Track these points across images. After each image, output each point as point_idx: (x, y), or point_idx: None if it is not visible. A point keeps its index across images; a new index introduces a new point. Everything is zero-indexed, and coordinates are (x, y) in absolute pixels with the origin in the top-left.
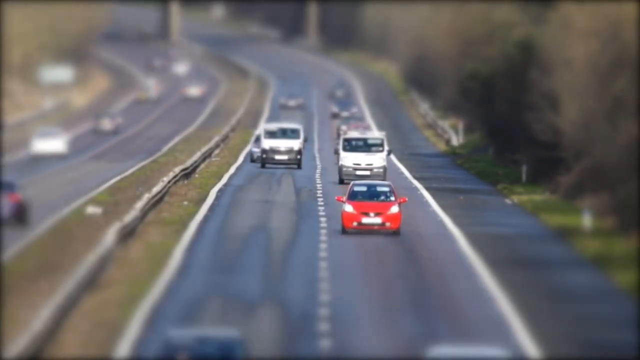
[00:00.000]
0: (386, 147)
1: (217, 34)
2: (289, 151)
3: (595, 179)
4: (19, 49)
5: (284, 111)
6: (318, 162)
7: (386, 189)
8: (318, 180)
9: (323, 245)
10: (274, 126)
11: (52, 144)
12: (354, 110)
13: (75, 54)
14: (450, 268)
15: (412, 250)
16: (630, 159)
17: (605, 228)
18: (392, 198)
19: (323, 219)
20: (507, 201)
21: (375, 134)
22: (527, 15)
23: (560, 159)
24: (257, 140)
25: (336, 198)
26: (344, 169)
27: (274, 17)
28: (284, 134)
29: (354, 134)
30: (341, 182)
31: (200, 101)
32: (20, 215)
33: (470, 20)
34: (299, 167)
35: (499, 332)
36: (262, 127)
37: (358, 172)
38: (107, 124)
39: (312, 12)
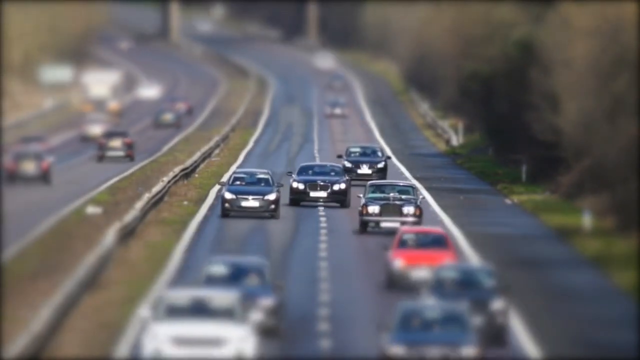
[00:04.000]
0: None
1: (217, 33)
2: None
3: (595, 179)
4: (19, 49)
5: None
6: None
7: None
8: None
9: (323, 245)
10: (186, 297)
11: (150, 92)
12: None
13: (75, 54)
14: None
15: None
16: (630, 159)
17: (605, 228)
18: None
19: (323, 219)
20: (507, 201)
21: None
22: (527, 15)
23: (560, 158)
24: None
25: None
26: None
27: (274, 17)
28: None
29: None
30: None
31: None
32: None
33: (471, 20)
34: None
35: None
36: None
37: None
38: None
39: (312, 12)
